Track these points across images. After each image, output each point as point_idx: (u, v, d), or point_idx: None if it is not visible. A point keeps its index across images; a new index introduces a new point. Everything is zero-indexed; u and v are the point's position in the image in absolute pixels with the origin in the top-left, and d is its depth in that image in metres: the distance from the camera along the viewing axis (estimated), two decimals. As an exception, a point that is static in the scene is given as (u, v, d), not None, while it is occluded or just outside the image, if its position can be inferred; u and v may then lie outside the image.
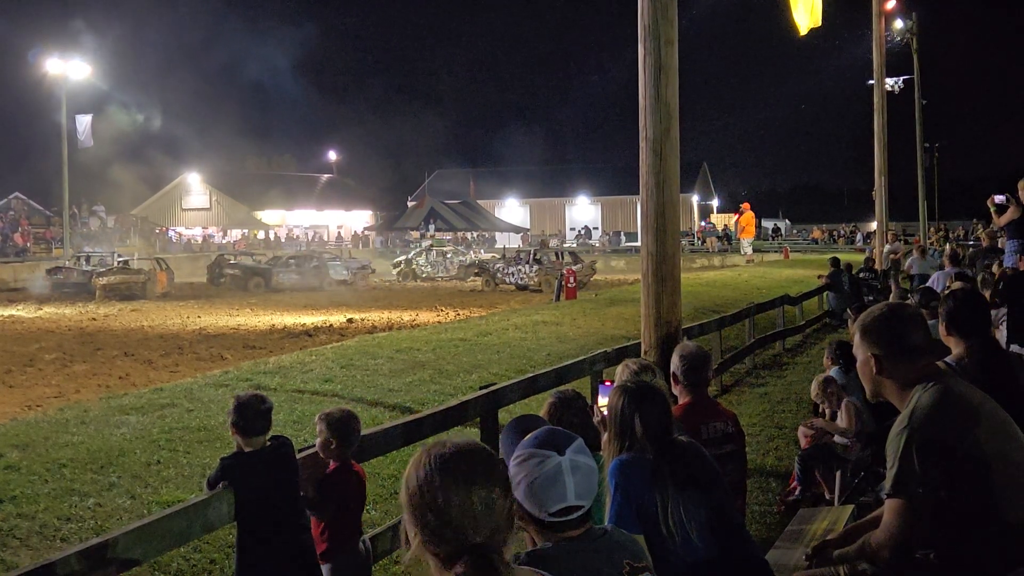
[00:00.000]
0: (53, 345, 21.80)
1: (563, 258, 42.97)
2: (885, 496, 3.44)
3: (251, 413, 4.96)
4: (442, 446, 2.32)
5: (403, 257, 51.26)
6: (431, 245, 52.97)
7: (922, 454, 3.29)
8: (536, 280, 40.20)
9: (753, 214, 56.18)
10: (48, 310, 32.43)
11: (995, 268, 12.11)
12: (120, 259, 42.12)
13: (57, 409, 11.13)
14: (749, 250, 52.94)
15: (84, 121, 54.17)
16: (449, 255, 49.91)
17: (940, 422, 3.33)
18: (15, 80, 75.99)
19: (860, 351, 3.59)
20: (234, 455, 5.01)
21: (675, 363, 5.33)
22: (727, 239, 73.42)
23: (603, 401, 4.95)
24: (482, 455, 2.32)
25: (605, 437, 4.05)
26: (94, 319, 29.00)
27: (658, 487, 3.70)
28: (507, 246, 64.02)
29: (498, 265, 43.01)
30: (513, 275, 41.37)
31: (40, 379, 16.87)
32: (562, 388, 5.17)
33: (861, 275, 23.04)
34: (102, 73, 56.69)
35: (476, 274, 44.14)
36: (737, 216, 59.14)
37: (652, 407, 3.90)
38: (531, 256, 42.23)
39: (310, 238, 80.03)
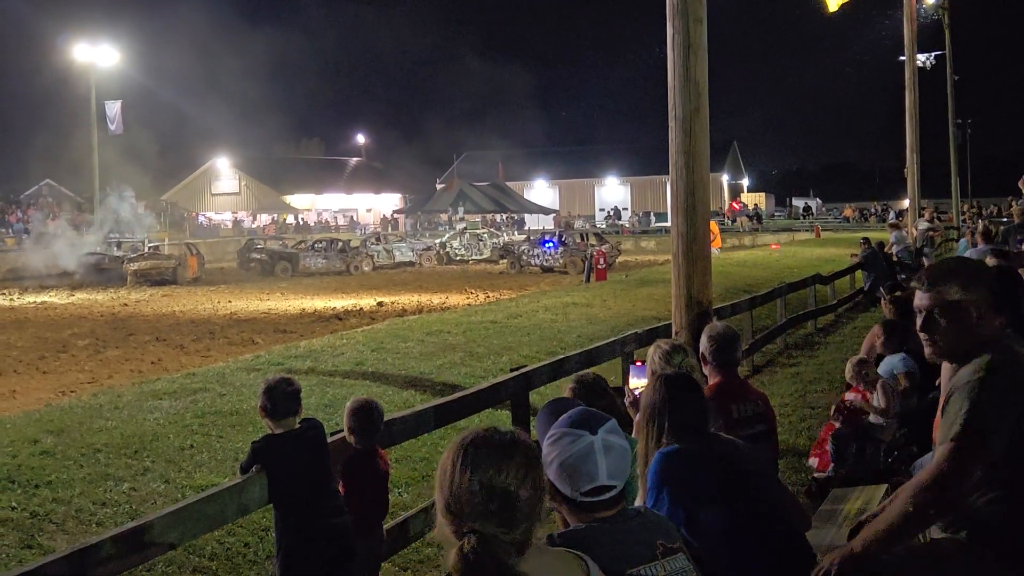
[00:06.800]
0: (86, 331, 22.00)
1: (588, 239, 42.89)
2: (946, 442, 3.26)
3: (278, 395, 4.99)
4: (469, 430, 2.36)
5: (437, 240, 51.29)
6: (465, 228, 52.96)
7: (994, 403, 3.22)
8: (561, 262, 40.11)
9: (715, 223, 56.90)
10: (80, 296, 32.72)
11: None
12: (151, 244, 42.33)
13: (91, 394, 11.25)
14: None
15: (114, 107, 54.35)
16: (484, 237, 49.88)
17: (1015, 379, 3.27)
18: (45, 67, 76.37)
19: (955, 296, 3.41)
20: (264, 438, 5.04)
21: (704, 344, 5.32)
22: (758, 219, 72.98)
23: (635, 383, 4.92)
24: (499, 441, 2.33)
25: (637, 419, 4.01)
26: (126, 305, 29.25)
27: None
28: (533, 228, 63.86)
29: (523, 247, 42.97)
30: (538, 257, 41.28)
31: (73, 365, 17.04)
32: (582, 372, 5.15)
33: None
34: (131, 59, 56.97)
35: (501, 256, 44.16)
36: None
37: (688, 400, 3.77)
38: (556, 237, 42.19)
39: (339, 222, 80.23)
